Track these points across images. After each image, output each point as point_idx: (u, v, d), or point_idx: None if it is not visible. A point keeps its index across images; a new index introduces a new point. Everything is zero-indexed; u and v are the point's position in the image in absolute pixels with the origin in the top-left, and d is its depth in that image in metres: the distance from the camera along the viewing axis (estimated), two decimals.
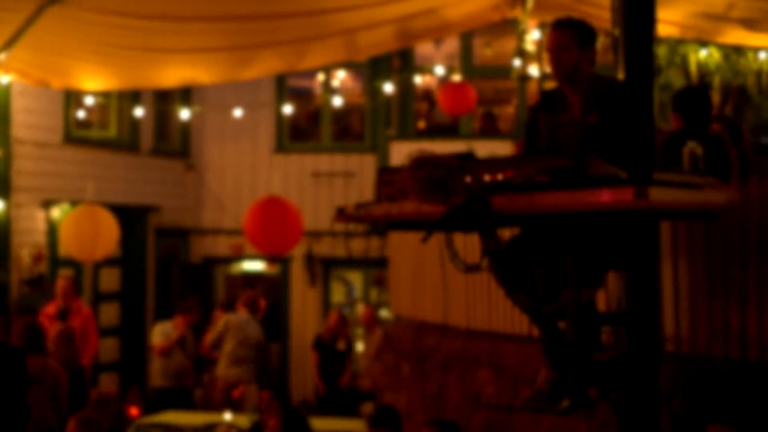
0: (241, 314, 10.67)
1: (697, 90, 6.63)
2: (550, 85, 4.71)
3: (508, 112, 14.99)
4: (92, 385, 9.63)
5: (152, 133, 13.90)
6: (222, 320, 10.72)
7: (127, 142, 13.41)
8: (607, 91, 4.19)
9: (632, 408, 4.37)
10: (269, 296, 13.90)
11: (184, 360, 10.76)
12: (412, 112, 14.38)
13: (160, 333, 10.82)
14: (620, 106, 4.15)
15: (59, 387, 7.39)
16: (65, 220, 10.41)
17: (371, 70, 14.02)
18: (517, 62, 9.76)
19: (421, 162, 3.74)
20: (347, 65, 13.57)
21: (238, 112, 12.60)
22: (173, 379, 10.71)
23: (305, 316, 14.39)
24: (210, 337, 10.77)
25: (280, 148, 14.64)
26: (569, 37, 4.18)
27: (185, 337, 10.71)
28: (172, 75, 9.44)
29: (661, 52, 11.19)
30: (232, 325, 10.52)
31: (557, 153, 4.08)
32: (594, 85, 4.20)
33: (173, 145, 14.62)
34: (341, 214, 4.35)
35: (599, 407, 4.57)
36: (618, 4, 4.88)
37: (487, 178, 3.70)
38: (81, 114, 12.38)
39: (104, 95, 11.80)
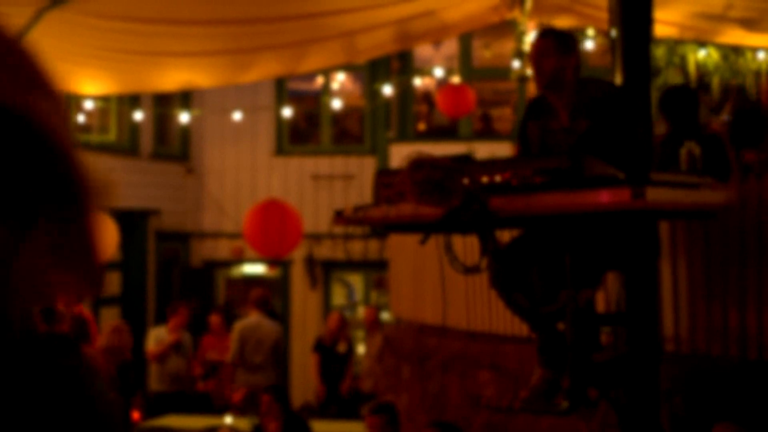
0: (252, 317, 10.45)
1: (678, 89, 6.50)
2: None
3: (507, 113, 15.00)
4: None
5: (152, 136, 13.91)
6: (234, 331, 10.50)
7: (127, 145, 13.42)
8: (598, 94, 4.22)
9: (632, 408, 4.37)
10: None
11: (181, 363, 10.71)
12: (412, 114, 14.39)
13: (154, 338, 10.78)
14: (613, 108, 4.16)
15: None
16: None
17: (370, 72, 14.03)
18: (516, 63, 9.76)
19: (418, 164, 3.75)
20: (346, 68, 13.59)
21: (237, 116, 12.62)
22: (170, 383, 10.67)
23: (306, 319, 14.40)
24: (231, 354, 10.45)
25: (280, 150, 14.65)
26: (549, 44, 4.26)
27: (181, 341, 10.65)
28: (172, 78, 9.45)
29: (660, 52, 11.19)
30: (242, 333, 10.30)
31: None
32: (582, 92, 4.23)
33: (173, 148, 14.63)
34: (340, 216, 4.36)
35: (599, 407, 4.57)
36: (615, 5, 4.88)
37: (484, 179, 3.71)
38: (80, 118, 12.39)
39: (104, 99, 11.81)
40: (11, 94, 0.81)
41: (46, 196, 0.82)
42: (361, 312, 13.33)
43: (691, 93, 5.99)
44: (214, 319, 11.32)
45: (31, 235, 0.82)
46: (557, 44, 4.25)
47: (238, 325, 10.41)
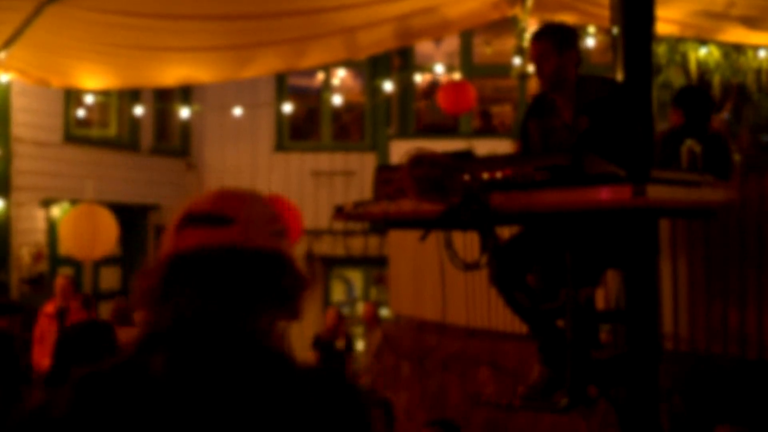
0: None
1: (700, 89, 6.64)
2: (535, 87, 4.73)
3: (507, 110, 14.98)
4: None
5: (152, 132, 13.90)
6: None
7: (127, 141, 13.40)
8: (599, 92, 4.20)
9: (632, 406, 4.37)
10: None
11: None
12: (412, 111, 14.38)
13: None
14: (614, 106, 4.15)
15: None
16: (65, 219, 10.40)
17: (371, 68, 14.02)
18: (516, 60, 9.75)
19: (418, 160, 3.74)
20: (347, 64, 13.58)
21: (238, 111, 12.60)
22: None
23: (305, 315, 14.33)
24: None
25: (280, 147, 14.64)
26: (548, 45, 4.22)
27: None
28: (172, 74, 9.44)
29: (661, 50, 11.18)
30: None
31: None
32: (583, 88, 4.22)
33: (173, 144, 14.62)
34: (340, 212, 4.34)
35: (599, 405, 4.57)
36: (617, 3, 4.87)
37: (485, 176, 3.70)
38: (81, 113, 12.38)
39: (104, 94, 11.79)
40: (276, 245, 1.55)
41: (292, 289, 1.59)
42: (361, 308, 13.33)
43: (708, 94, 6.06)
44: None
45: (278, 311, 1.57)
46: (555, 43, 4.23)
47: None
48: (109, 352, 9.20)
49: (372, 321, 11.59)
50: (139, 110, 11.94)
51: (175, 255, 1.54)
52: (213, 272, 1.49)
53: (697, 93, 6.08)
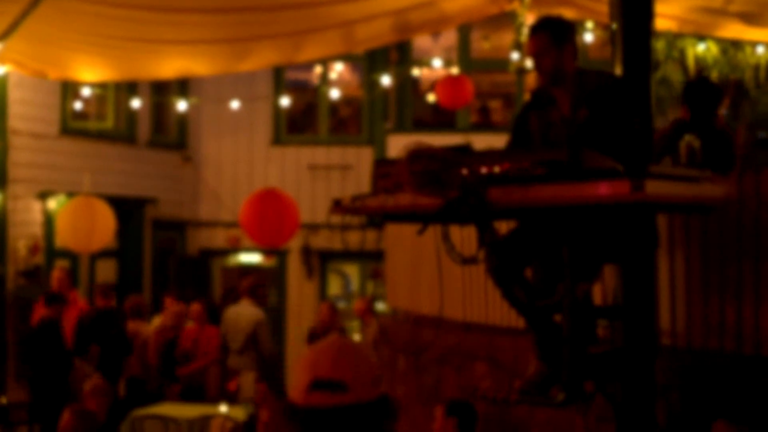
0: (238, 306, 10.58)
1: (708, 82, 6.55)
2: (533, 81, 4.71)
3: (505, 105, 14.98)
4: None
5: (149, 124, 13.88)
6: (222, 318, 10.68)
7: (124, 133, 13.38)
8: (597, 85, 4.20)
9: (628, 402, 4.37)
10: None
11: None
12: (410, 105, 14.37)
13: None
14: (612, 99, 4.15)
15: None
16: (62, 211, 10.40)
17: (369, 62, 14.00)
18: (514, 55, 9.74)
19: (416, 154, 3.73)
20: (345, 58, 13.56)
21: (235, 105, 12.59)
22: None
23: (302, 309, 14.39)
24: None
25: (278, 140, 14.62)
26: (545, 40, 4.22)
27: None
28: (169, 66, 9.42)
29: (659, 46, 11.17)
30: (225, 320, 10.48)
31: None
32: (581, 81, 4.21)
33: (170, 137, 14.60)
34: (337, 206, 4.34)
35: (595, 401, 4.57)
36: None
37: (483, 170, 3.69)
38: (78, 105, 12.36)
39: (101, 86, 11.78)
40: (377, 390, 2.18)
41: (392, 422, 2.20)
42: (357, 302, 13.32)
43: (714, 89, 5.99)
44: (195, 308, 11.25)
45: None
46: (553, 38, 4.22)
47: (225, 313, 10.58)
48: (117, 336, 9.73)
49: (367, 315, 11.58)
50: (136, 103, 11.92)
51: (310, 410, 2.17)
52: (339, 428, 2.16)
53: (702, 87, 5.99)
